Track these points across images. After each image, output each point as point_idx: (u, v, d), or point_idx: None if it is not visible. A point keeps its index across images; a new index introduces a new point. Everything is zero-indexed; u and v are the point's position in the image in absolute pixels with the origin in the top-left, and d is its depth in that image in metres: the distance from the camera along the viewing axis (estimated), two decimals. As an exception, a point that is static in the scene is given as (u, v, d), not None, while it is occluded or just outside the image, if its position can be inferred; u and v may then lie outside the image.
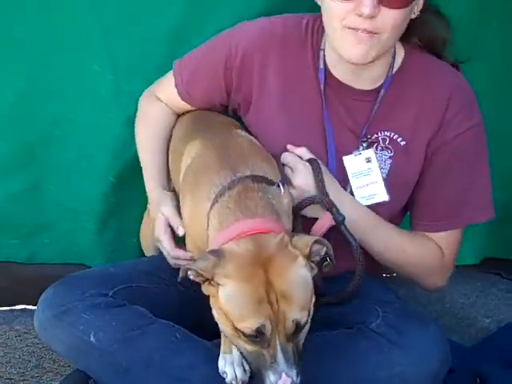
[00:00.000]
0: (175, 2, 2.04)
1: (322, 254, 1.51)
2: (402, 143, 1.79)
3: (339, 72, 1.78)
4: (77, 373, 1.72)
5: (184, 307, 1.82)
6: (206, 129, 1.82)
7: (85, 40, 2.04)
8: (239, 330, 1.43)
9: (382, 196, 1.79)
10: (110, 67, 2.06)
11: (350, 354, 1.59)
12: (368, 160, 1.79)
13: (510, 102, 2.48)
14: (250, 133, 1.83)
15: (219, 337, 1.69)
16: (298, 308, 1.43)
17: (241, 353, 1.49)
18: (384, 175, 1.80)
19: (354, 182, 1.79)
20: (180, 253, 1.73)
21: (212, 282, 1.46)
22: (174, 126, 1.97)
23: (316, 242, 1.48)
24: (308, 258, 1.47)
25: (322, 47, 1.80)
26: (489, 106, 2.31)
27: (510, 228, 2.67)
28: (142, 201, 2.21)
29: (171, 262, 1.77)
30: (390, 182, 1.80)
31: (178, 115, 1.99)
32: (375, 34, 1.63)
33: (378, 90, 1.78)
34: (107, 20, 2.02)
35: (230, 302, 1.44)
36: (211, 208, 1.57)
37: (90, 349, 1.62)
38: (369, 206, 1.78)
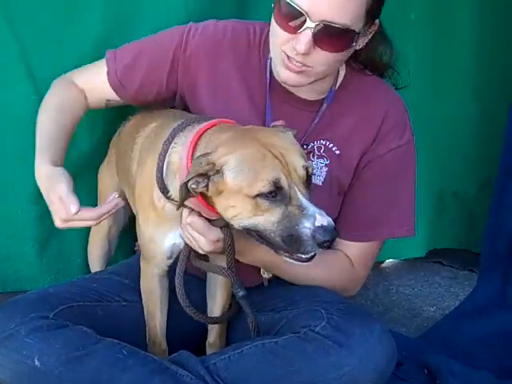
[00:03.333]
0: (95, 19, 2.01)
1: None
2: (337, 152, 1.81)
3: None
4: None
5: (130, 321, 1.81)
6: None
7: (4, 61, 1.98)
8: (258, 197, 1.43)
9: None
10: (33, 87, 2.00)
11: (298, 359, 1.59)
12: None
13: (430, 90, 2.54)
14: None
15: (175, 346, 1.74)
16: (302, 157, 1.48)
17: (268, 237, 1.47)
18: (320, 182, 1.81)
19: None
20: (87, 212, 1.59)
21: (214, 175, 1.46)
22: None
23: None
24: None
25: (269, 56, 1.78)
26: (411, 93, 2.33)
27: (448, 218, 2.75)
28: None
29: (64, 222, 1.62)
30: (326, 188, 1.82)
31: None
32: (308, 66, 1.65)
33: (320, 102, 1.80)
34: (26, 39, 1.97)
35: (238, 172, 1.45)
36: (168, 148, 1.62)
37: (35, 374, 1.59)
38: None
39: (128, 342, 1.68)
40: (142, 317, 1.80)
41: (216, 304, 1.82)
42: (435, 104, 2.57)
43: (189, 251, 1.69)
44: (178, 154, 1.60)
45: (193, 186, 1.49)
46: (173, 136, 1.64)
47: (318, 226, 1.42)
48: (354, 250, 1.86)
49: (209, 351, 1.84)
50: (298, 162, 1.48)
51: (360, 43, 1.70)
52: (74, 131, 1.86)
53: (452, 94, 2.60)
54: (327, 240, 1.42)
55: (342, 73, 1.82)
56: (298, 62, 1.64)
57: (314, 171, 1.80)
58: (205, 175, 1.48)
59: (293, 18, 1.60)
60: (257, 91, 1.81)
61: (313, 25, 1.58)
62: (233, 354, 1.64)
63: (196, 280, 1.88)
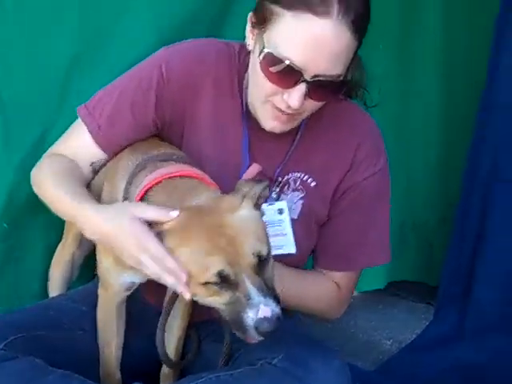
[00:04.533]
0: (68, 33, 1.97)
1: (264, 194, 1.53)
2: (313, 184, 1.80)
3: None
4: None
5: (86, 351, 1.76)
6: None
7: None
8: (207, 284, 1.42)
9: (290, 248, 1.78)
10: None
11: (253, 393, 1.56)
12: (280, 211, 1.78)
13: (394, 111, 2.58)
14: None
15: (128, 374, 1.73)
16: (254, 240, 1.44)
17: (221, 315, 1.47)
18: (296, 216, 1.80)
19: None
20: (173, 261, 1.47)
21: None
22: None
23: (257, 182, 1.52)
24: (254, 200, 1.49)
25: (245, 86, 1.75)
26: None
27: (408, 251, 2.77)
28: (41, 244, 2.13)
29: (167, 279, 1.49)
30: (302, 221, 1.81)
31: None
32: (297, 115, 1.64)
33: (294, 132, 1.77)
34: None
35: (189, 264, 1.44)
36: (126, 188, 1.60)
37: None
38: (277, 255, 1.67)
39: (83, 371, 1.64)
40: (98, 346, 1.77)
41: (173, 335, 1.79)
42: (399, 134, 2.60)
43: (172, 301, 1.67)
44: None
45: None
46: (131, 178, 1.60)
47: (261, 318, 1.39)
48: (337, 277, 1.85)
49: (163, 382, 1.82)
50: (248, 248, 1.43)
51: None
52: None
53: (415, 124, 2.64)
54: (269, 331, 1.41)
55: None
56: (287, 114, 1.62)
57: (289, 205, 1.79)
58: None
59: (286, 74, 1.56)
60: (235, 125, 1.76)
61: (307, 80, 1.56)
62: (188, 387, 1.62)
63: (152, 310, 1.86)
